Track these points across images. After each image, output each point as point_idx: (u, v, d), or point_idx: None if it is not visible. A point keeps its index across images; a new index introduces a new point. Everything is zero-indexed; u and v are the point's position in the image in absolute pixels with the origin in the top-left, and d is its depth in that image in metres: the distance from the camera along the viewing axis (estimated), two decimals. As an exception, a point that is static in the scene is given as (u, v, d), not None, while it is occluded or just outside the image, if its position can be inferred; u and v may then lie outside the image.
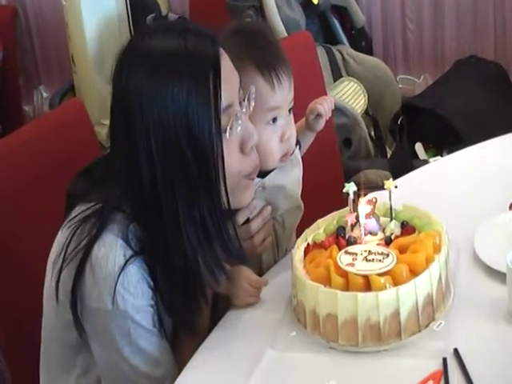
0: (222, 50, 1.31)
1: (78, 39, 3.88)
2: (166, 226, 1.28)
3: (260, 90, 1.45)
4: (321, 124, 1.66)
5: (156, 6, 3.93)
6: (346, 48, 3.50)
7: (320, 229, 1.45)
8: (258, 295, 1.45)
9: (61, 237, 1.35)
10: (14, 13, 4.28)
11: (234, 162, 1.32)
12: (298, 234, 1.48)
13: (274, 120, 1.51)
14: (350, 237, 1.36)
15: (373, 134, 3.33)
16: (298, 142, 1.61)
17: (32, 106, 4.66)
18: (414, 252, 1.32)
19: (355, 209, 1.38)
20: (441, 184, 1.81)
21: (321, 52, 3.29)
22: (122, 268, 1.27)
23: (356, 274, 1.28)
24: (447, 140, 3.10)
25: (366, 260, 1.29)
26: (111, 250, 1.28)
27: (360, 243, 1.35)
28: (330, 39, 3.52)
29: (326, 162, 2.29)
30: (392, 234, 1.37)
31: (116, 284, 1.27)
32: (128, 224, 1.30)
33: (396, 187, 1.39)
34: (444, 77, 3.53)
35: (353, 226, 1.39)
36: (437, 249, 1.35)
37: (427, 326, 1.31)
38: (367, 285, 1.27)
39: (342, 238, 1.37)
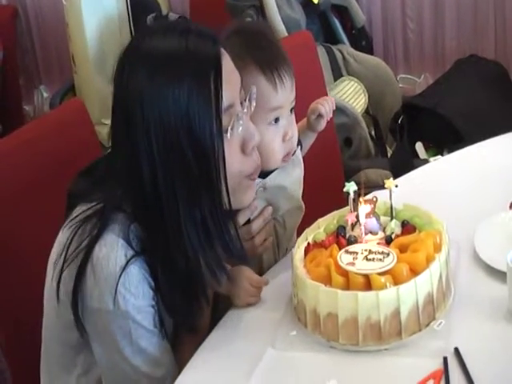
0: (223, 50, 1.31)
1: (79, 39, 3.88)
2: (167, 226, 1.28)
3: (262, 90, 1.45)
4: (322, 124, 1.66)
5: (156, 6, 3.93)
6: (347, 47, 3.50)
7: (320, 228, 1.45)
8: (259, 295, 1.45)
9: (62, 237, 1.35)
10: (15, 13, 4.28)
11: (235, 162, 1.32)
12: (299, 234, 1.49)
13: (277, 120, 1.51)
14: (350, 236, 1.37)
15: (373, 133, 3.33)
16: (299, 143, 1.61)
17: (32, 105, 4.66)
18: (414, 251, 1.32)
19: (355, 208, 1.38)
20: (441, 183, 1.81)
21: (321, 51, 3.29)
22: (123, 268, 1.27)
23: (356, 274, 1.28)
24: (448, 139, 3.10)
25: (367, 259, 1.29)
26: (112, 250, 1.28)
27: (360, 242, 1.35)
28: (331, 39, 3.52)
29: (327, 161, 2.29)
30: (392, 233, 1.37)
31: (117, 284, 1.27)
32: (129, 224, 1.30)
33: (396, 186, 1.39)
34: (444, 76, 3.53)
35: (353, 226, 1.39)
36: (437, 248, 1.35)
37: (428, 325, 1.32)
38: (368, 284, 1.27)
39: (342, 237, 1.37)
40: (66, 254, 1.31)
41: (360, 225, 1.36)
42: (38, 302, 1.41)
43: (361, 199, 1.37)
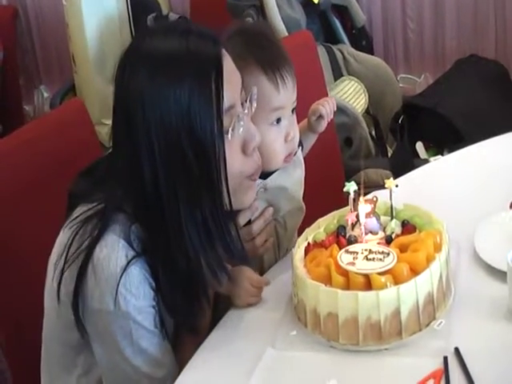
0: (224, 51, 1.30)
1: (79, 39, 3.88)
2: (168, 226, 1.28)
3: (263, 90, 1.45)
4: (323, 125, 1.65)
5: (157, 6, 3.93)
6: (347, 47, 3.50)
7: (320, 228, 1.45)
8: (260, 295, 1.45)
9: (62, 237, 1.35)
10: (15, 13, 4.28)
11: (235, 162, 1.32)
12: (299, 234, 1.49)
13: (278, 120, 1.51)
14: (350, 236, 1.37)
15: (373, 133, 3.33)
16: (300, 143, 1.61)
17: (32, 105, 4.67)
18: (414, 251, 1.32)
19: (356, 208, 1.38)
20: (441, 183, 1.81)
21: (321, 51, 3.29)
22: (124, 269, 1.27)
23: (356, 273, 1.28)
24: (448, 139, 3.10)
25: (367, 259, 1.30)
26: (113, 250, 1.28)
27: (360, 242, 1.35)
28: (331, 38, 3.52)
29: (327, 161, 2.29)
30: (393, 232, 1.37)
31: (118, 285, 1.27)
32: (130, 225, 1.30)
33: (397, 186, 1.39)
34: (445, 76, 3.53)
35: (353, 225, 1.39)
36: (437, 248, 1.35)
37: (428, 324, 1.32)
38: (368, 284, 1.27)
39: (342, 237, 1.37)
40: (67, 254, 1.31)
41: (360, 224, 1.36)
42: (38, 302, 1.41)
43: (361, 199, 1.37)
